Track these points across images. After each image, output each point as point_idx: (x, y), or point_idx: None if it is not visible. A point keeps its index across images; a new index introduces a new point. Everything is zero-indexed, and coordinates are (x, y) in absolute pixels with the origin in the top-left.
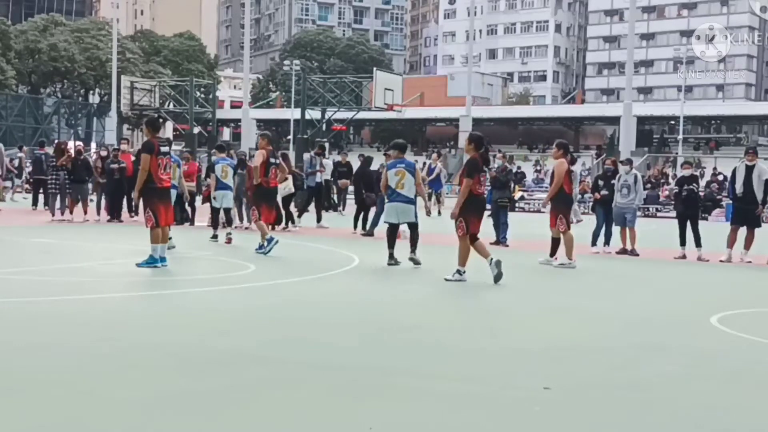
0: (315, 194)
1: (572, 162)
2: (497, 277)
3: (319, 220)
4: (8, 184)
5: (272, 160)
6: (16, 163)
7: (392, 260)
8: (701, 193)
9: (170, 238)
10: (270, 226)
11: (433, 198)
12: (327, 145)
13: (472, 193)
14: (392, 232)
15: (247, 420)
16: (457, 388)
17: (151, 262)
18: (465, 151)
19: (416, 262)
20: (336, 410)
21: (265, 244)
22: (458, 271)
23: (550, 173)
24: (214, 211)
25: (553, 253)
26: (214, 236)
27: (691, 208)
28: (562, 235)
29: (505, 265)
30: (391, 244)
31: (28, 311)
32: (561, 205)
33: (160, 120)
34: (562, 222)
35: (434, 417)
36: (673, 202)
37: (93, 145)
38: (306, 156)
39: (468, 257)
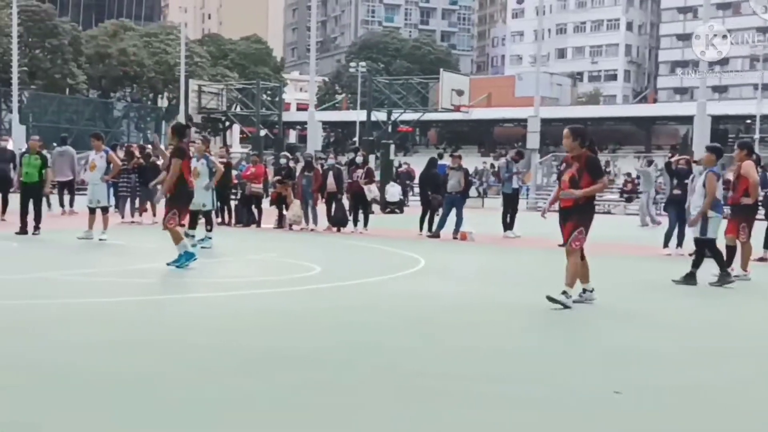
0: (511, 200)
1: (757, 162)
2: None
3: (509, 227)
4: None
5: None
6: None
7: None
8: None
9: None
10: (336, 229)
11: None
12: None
13: (593, 198)
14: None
15: (305, 422)
16: (525, 390)
17: (188, 258)
18: (568, 148)
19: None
20: (393, 414)
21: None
22: (564, 293)
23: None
24: None
25: (730, 263)
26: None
27: None
28: (740, 245)
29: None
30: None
31: (96, 312)
32: (745, 211)
33: (189, 127)
34: (744, 231)
35: (496, 421)
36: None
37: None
38: (502, 160)
39: (577, 276)
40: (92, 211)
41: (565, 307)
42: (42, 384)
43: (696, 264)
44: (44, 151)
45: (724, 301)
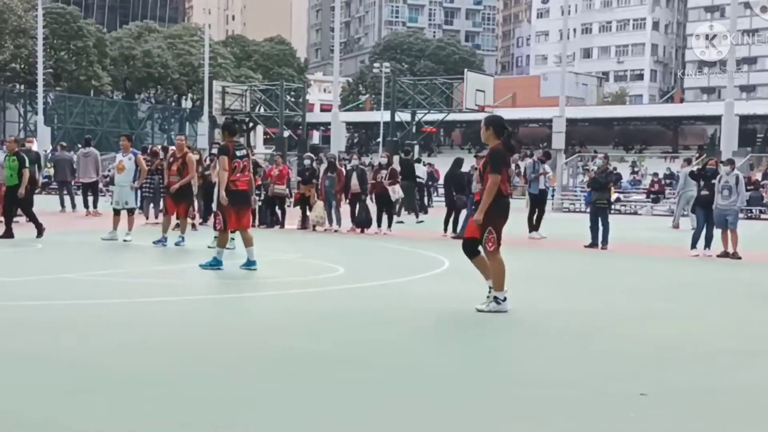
0: (538, 201)
1: None
2: (483, 309)
3: (535, 228)
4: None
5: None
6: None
7: None
8: None
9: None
10: (360, 230)
11: None
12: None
13: (501, 193)
14: None
15: (332, 422)
16: (550, 393)
17: (214, 264)
18: (483, 138)
19: None
20: (421, 415)
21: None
22: (495, 299)
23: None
24: None
25: None
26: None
27: None
28: None
29: (601, 268)
30: None
31: (121, 312)
32: None
33: (239, 124)
34: None
35: (525, 423)
36: None
37: None
38: (528, 161)
39: (505, 277)
40: (117, 212)
41: (500, 311)
42: (64, 383)
43: None
44: (70, 152)
45: (754, 302)
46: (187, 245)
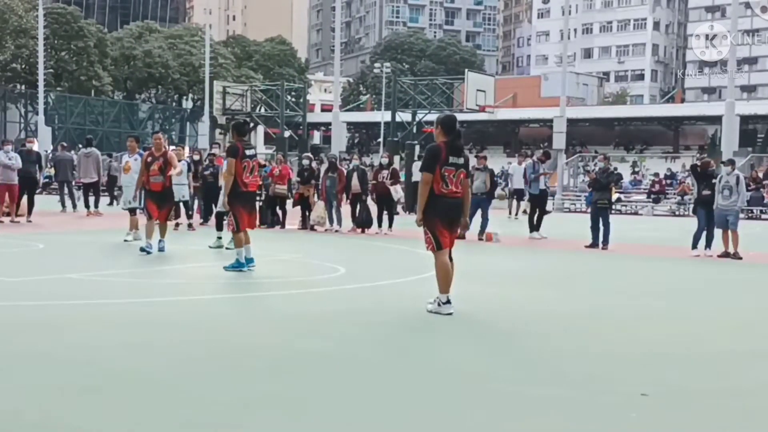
0: (538, 202)
1: None
2: (432, 311)
3: (535, 229)
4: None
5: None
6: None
7: None
8: None
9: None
10: (361, 230)
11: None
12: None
13: (434, 193)
14: None
15: (333, 422)
16: (552, 392)
17: (237, 266)
18: (435, 137)
19: None
20: (422, 414)
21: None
22: (438, 301)
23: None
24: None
25: None
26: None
27: None
28: None
29: (604, 268)
30: None
31: (121, 312)
32: None
33: (249, 124)
34: None
35: (527, 422)
36: None
37: (186, 149)
38: (528, 161)
39: (449, 279)
40: (133, 211)
41: (443, 313)
42: (64, 383)
43: None
44: (71, 153)
45: (754, 302)
46: (189, 246)
